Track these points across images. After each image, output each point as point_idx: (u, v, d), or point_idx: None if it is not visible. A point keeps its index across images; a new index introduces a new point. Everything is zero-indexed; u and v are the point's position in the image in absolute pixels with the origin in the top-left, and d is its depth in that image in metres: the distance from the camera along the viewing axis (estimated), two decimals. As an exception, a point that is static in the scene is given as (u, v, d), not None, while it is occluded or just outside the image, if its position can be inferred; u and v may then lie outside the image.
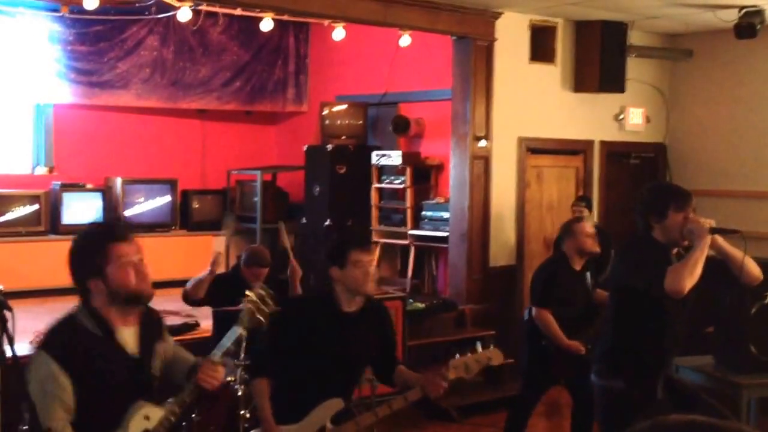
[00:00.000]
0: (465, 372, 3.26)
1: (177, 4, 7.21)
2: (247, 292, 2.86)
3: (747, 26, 6.56)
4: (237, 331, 2.77)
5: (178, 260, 8.47)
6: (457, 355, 3.30)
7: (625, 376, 3.46)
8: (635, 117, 7.95)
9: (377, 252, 7.99)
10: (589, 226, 5.00)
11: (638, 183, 8.12)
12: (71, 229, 8.06)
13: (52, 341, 2.49)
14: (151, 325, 2.67)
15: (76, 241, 2.58)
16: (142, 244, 2.63)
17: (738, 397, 4.38)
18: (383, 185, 8.03)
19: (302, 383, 3.30)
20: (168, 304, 6.64)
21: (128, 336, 2.57)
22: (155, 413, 2.55)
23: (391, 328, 3.55)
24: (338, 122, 8.50)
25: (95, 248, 2.51)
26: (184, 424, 2.77)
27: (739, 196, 7.61)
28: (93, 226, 2.74)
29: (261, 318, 2.81)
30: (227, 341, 2.75)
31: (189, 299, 5.01)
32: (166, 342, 2.75)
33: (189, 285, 4.98)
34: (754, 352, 4.45)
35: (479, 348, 3.33)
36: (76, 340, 2.47)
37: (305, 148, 8.50)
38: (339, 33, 7.73)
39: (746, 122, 7.61)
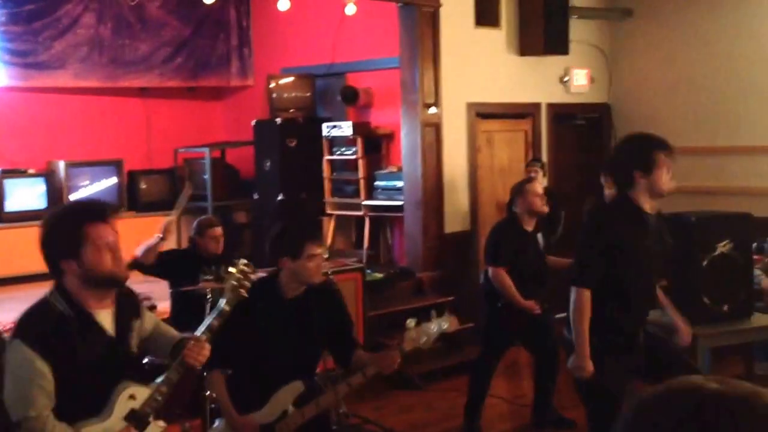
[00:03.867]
0: (420, 342, 3.28)
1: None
2: (230, 269, 2.87)
3: (686, -16, 6.65)
4: (222, 307, 2.77)
5: (128, 243, 8.25)
6: (412, 325, 3.31)
7: (601, 339, 3.42)
8: (579, 78, 8.05)
9: (331, 227, 7.98)
10: (538, 186, 5.09)
11: (585, 144, 8.29)
12: (15, 217, 7.84)
13: (27, 328, 2.43)
14: (127, 305, 2.64)
15: (50, 219, 2.51)
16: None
17: (693, 348, 4.52)
18: (335, 157, 7.98)
19: (255, 371, 3.28)
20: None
21: (104, 317, 2.53)
22: (141, 392, 2.54)
23: (341, 309, 3.51)
24: (285, 95, 8.39)
25: (70, 228, 2.45)
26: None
27: (682, 153, 7.73)
28: (70, 205, 2.66)
29: (244, 293, 2.82)
30: (212, 318, 2.75)
31: (138, 264, 4.90)
32: (143, 319, 2.72)
33: (138, 251, 4.89)
34: (707, 303, 4.59)
35: (434, 316, 3.34)
36: (51, 325, 2.42)
37: (253, 122, 8.39)
38: (283, 3, 7.59)
39: (687, 78, 7.76)
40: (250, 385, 3.27)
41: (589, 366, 3.36)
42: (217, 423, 3.40)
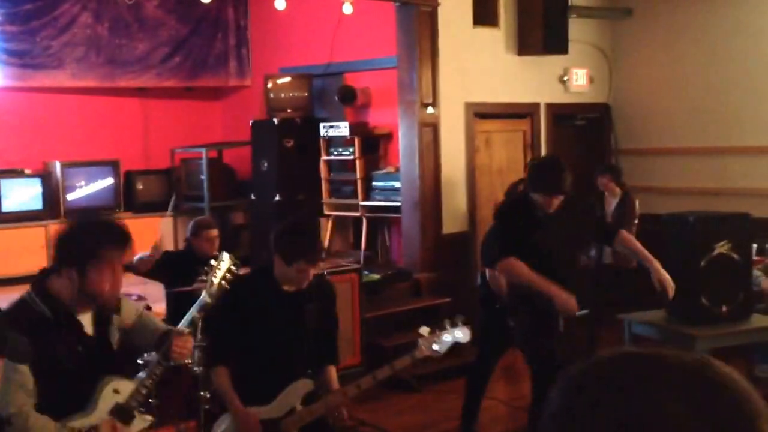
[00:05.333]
0: (433, 351, 3.26)
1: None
2: (212, 261, 2.85)
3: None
4: (204, 299, 2.76)
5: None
6: (426, 333, 3.28)
7: (528, 313, 4.02)
8: (579, 78, 8.00)
9: (329, 227, 7.94)
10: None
11: (584, 144, 8.24)
12: (11, 217, 7.81)
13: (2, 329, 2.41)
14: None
15: (76, 226, 2.55)
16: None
17: (692, 349, 4.48)
18: (332, 157, 7.94)
19: (258, 364, 3.28)
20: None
21: (83, 318, 2.54)
22: (125, 386, 2.55)
23: (332, 306, 3.51)
24: (283, 95, 8.35)
25: (90, 244, 2.47)
26: (151, 401, 2.77)
27: (682, 153, 7.75)
28: (98, 221, 2.65)
29: (226, 285, 2.81)
30: (194, 310, 2.74)
31: (136, 272, 4.93)
32: (123, 312, 2.71)
33: (135, 260, 4.89)
34: (705, 304, 4.55)
35: (447, 326, 3.32)
36: (28, 326, 2.42)
37: (251, 122, 8.35)
38: (281, 2, 7.55)
39: (687, 78, 7.72)
40: (255, 379, 3.27)
41: (571, 300, 3.99)
42: (222, 417, 3.38)
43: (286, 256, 3.22)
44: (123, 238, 2.52)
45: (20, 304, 2.49)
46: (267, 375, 3.27)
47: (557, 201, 4.06)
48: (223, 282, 2.84)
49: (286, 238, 3.29)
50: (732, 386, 0.81)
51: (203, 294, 2.82)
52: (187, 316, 2.78)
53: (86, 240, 2.49)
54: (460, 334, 3.31)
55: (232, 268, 2.87)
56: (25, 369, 2.36)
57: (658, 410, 0.78)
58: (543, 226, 4.10)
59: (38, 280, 2.51)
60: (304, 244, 3.25)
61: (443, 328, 3.30)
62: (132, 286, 6.66)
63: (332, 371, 3.40)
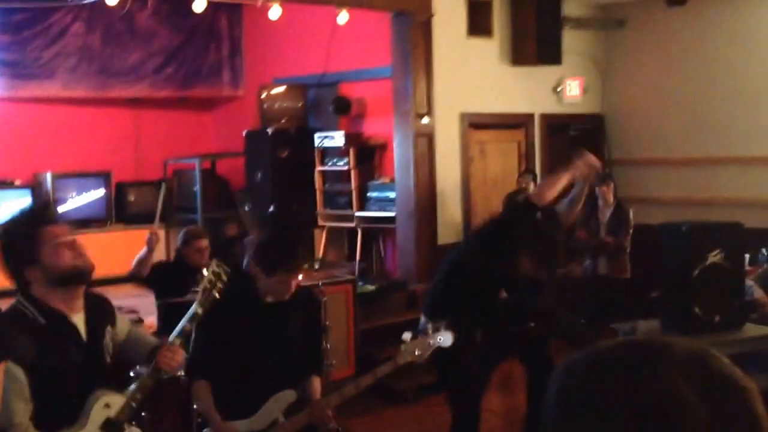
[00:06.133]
0: (416, 356, 3.24)
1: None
2: (204, 270, 2.82)
3: (678, -6, 6.64)
4: (194, 309, 2.73)
5: (116, 256, 8.19)
6: (408, 339, 3.26)
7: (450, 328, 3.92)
8: (573, 88, 8.02)
9: (324, 238, 7.92)
10: None
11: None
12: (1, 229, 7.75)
13: None
14: (99, 311, 2.61)
15: (4, 232, 2.52)
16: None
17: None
18: (327, 168, 7.91)
19: (240, 377, 3.24)
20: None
21: (76, 321, 2.51)
22: (116, 400, 2.52)
23: (317, 316, 3.51)
24: (277, 105, 8.33)
25: (25, 235, 2.45)
26: (143, 414, 2.73)
27: (675, 163, 7.76)
28: (19, 214, 2.62)
29: (216, 295, 2.78)
30: (184, 321, 2.71)
31: (135, 278, 5.01)
32: (118, 327, 2.68)
33: (133, 264, 4.96)
34: (698, 313, 4.54)
35: (429, 330, 3.30)
36: (21, 331, 2.40)
37: (244, 133, 8.32)
38: (275, 11, 7.53)
39: (679, 89, 7.75)
40: (238, 392, 3.23)
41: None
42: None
43: (265, 268, 3.21)
44: (50, 214, 2.61)
45: (13, 312, 2.46)
46: (250, 387, 3.22)
47: None
48: (215, 292, 2.80)
49: (265, 249, 3.29)
50: (731, 372, 0.84)
51: (194, 304, 2.79)
52: (178, 327, 2.74)
53: (19, 234, 2.47)
54: (443, 339, 3.29)
55: (224, 277, 2.84)
56: (22, 376, 2.33)
57: (673, 394, 0.79)
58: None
59: (22, 290, 2.48)
60: (282, 255, 3.23)
61: (425, 333, 3.29)
62: (124, 298, 6.61)
63: (316, 382, 3.35)
